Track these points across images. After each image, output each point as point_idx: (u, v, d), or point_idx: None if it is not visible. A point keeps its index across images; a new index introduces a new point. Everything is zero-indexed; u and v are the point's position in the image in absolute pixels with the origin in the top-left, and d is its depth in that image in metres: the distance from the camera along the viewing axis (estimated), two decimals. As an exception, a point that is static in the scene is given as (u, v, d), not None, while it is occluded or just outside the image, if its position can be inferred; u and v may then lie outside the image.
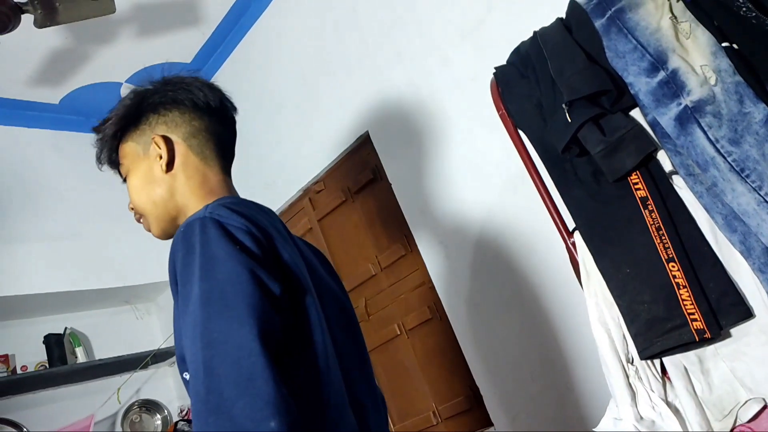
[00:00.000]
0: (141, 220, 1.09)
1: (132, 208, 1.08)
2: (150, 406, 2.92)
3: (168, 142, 1.02)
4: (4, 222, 2.58)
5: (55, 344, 2.64)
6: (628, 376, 1.08)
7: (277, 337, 0.79)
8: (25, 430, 2.49)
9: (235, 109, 1.13)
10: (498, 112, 1.41)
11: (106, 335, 2.91)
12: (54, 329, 2.70)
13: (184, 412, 2.90)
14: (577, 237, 1.22)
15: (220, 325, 0.77)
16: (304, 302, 0.89)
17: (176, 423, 2.86)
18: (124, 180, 1.08)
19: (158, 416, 2.92)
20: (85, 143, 3.18)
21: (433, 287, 2.17)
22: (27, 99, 2.84)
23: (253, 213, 0.90)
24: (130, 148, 1.05)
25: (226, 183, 1.07)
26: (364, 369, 1.02)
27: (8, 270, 2.50)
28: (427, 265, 2.18)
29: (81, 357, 2.68)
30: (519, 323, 1.92)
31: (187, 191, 1.02)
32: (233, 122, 1.13)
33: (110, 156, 1.07)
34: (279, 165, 2.75)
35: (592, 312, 1.14)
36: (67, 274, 2.66)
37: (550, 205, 1.32)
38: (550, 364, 1.84)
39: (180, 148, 1.02)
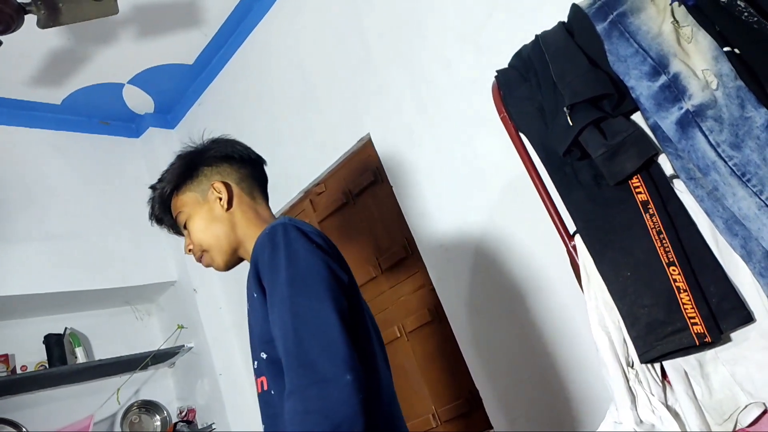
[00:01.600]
0: (202, 258, 1.25)
1: (191, 249, 1.24)
2: (149, 407, 2.92)
3: (227, 186, 1.23)
4: (5, 222, 2.59)
5: (55, 344, 2.64)
6: (628, 380, 1.08)
7: (346, 314, 0.99)
8: (24, 429, 2.49)
9: (264, 160, 1.37)
10: (499, 115, 1.41)
11: (106, 336, 2.91)
12: (54, 329, 2.70)
13: (183, 414, 2.90)
14: (578, 240, 1.23)
15: (304, 301, 0.97)
16: (357, 296, 1.11)
17: (175, 424, 2.86)
18: (185, 227, 1.24)
19: (157, 417, 2.92)
20: (87, 144, 3.20)
21: (433, 290, 2.17)
22: (29, 99, 2.85)
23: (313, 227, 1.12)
24: (189, 198, 1.23)
25: (272, 215, 1.29)
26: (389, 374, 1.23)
27: (9, 270, 2.51)
28: (427, 268, 2.18)
29: (81, 357, 2.68)
30: (519, 326, 1.92)
31: (245, 224, 1.22)
32: (264, 170, 1.36)
33: (164, 209, 1.26)
34: (280, 166, 2.75)
35: (592, 315, 1.14)
36: (67, 274, 2.66)
37: (551, 208, 1.33)
38: (549, 367, 1.84)
39: (235, 191, 1.24)
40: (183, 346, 2.93)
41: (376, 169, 2.39)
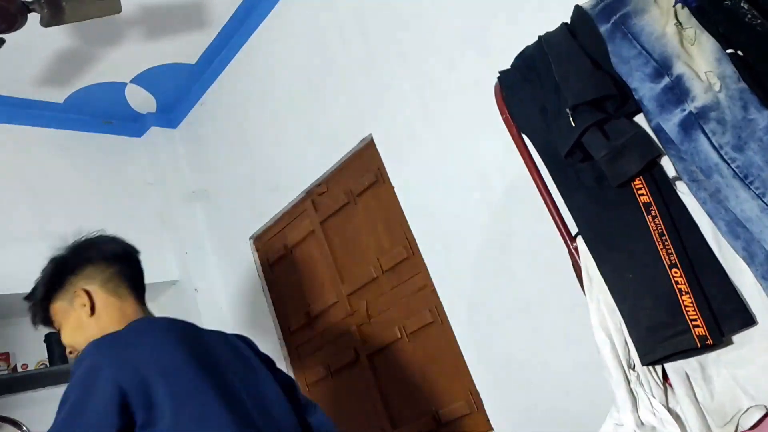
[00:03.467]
0: (72, 355, 1.30)
1: (69, 350, 1.30)
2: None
3: (88, 293, 1.27)
4: (6, 220, 2.59)
5: (56, 343, 2.64)
6: (629, 382, 1.07)
7: None
8: (25, 428, 2.49)
9: (137, 251, 1.39)
10: (502, 116, 1.41)
11: (107, 334, 2.91)
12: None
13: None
14: (580, 242, 1.22)
15: None
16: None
17: (176, 423, 2.85)
18: (58, 331, 1.30)
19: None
20: (90, 143, 3.20)
21: (434, 290, 2.17)
22: (32, 98, 2.85)
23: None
24: (59, 307, 1.28)
25: (141, 309, 1.31)
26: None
27: (10, 268, 2.50)
28: (428, 269, 2.18)
29: (82, 356, 2.68)
30: (520, 327, 1.92)
31: (110, 326, 1.23)
32: (138, 262, 1.38)
33: (44, 318, 1.32)
34: (282, 167, 2.75)
35: (593, 317, 1.14)
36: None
37: (552, 210, 1.32)
38: (550, 368, 1.84)
39: (99, 294, 1.27)
40: (184, 345, 2.93)
41: (378, 170, 2.39)
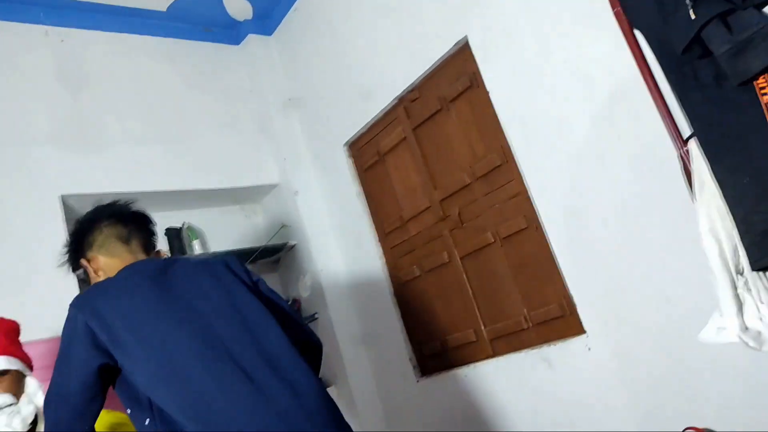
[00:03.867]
0: None
1: None
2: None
3: (88, 261, 1.53)
4: (127, 123, 2.80)
5: (175, 237, 2.92)
6: (736, 287, 1.06)
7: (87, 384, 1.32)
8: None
9: (127, 209, 1.62)
10: (613, 9, 1.33)
11: (218, 231, 3.16)
12: (173, 224, 2.97)
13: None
14: (692, 145, 1.17)
15: (55, 376, 1.32)
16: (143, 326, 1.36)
17: (281, 314, 3.12)
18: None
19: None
20: (192, 50, 3.31)
21: (529, 197, 2.16)
22: (136, 6, 2.96)
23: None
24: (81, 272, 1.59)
25: (134, 258, 1.52)
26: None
27: (132, 169, 2.75)
28: (524, 176, 2.17)
29: (197, 249, 2.95)
30: (620, 235, 1.89)
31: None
32: (130, 215, 1.61)
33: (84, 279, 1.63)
34: (375, 74, 2.75)
35: (702, 222, 1.11)
36: (181, 175, 2.88)
37: (664, 112, 1.26)
38: (650, 274, 1.82)
39: (98, 260, 1.52)
40: (286, 243, 3.14)
41: (472, 74, 2.33)
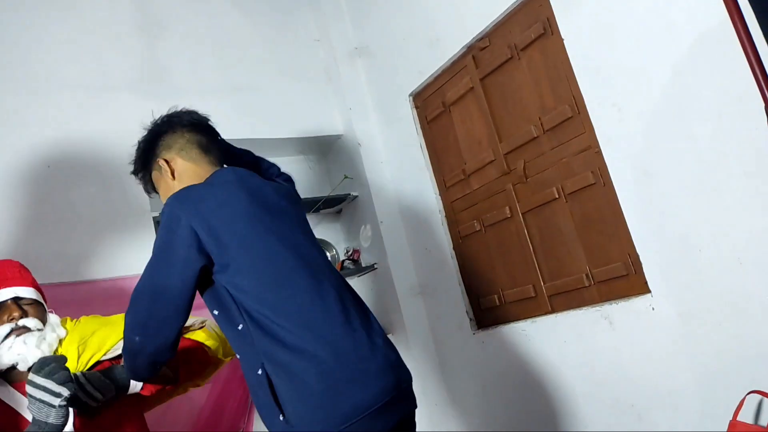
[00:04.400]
0: None
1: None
2: (322, 245, 3.28)
3: (167, 162, 1.54)
4: (198, 72, 2.87)
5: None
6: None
7: (188, 284, 1.37)
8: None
9: (207, 120, 1.65)
10: (705, -52, 1.23)
11: (284, 180, 3.24)
12: (241, 172, 3.06)
13: (349, 253, 3.23)
14: (784, 96, 1.09)
15: (151, 272, 1.38)
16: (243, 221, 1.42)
17: (343, 261, 3.20)
18: (157, 192, 1.61)
19: (328, 254, 3.28)
20: (265, 0, 3.30)
21: (599, 152, 2.09)
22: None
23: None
24: (154, 176, 1.59)
25: (210, 167, 1.53)
26: None
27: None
28: (595, 129, 2.09)
29: (264, 197, 3.03)
30: (693, 193, 1.80)
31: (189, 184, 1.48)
32: (207, 127, 1.63)
33: (148, 187, 1.65)
34: (443, 21, 2.68)
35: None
36: (249, 124, 2.95)
37: (755, 63, 1.17)
38: (723, 235, 1.74)
39: (178, 162, 1.53)
40: (349, 194, 3.18)
41: (546, 20, 2.23)
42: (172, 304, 1.31)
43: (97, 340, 1.55)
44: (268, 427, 1.30)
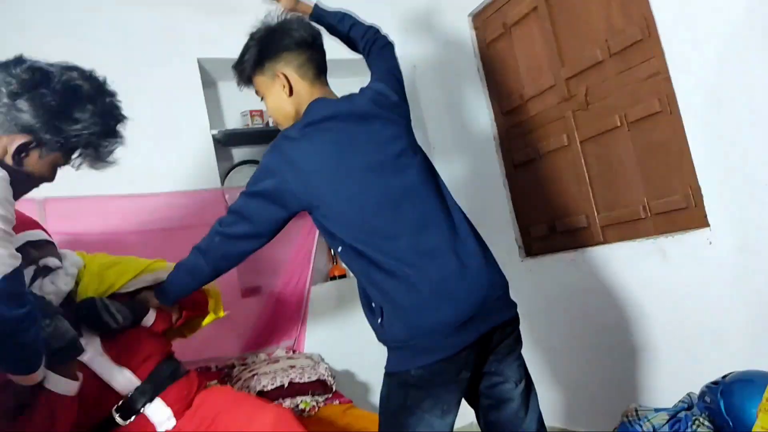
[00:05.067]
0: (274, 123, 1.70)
1: (273, 120, 1.65)
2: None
3: (286, 76, 1.50)
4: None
5: (297, 105, 3.02)
6: None
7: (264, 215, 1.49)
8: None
9: (321, 35, 1.58)
10: None
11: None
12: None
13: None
14: None
15: (241, 196, 1.50)
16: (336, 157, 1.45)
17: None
18: (262, 98, 1.57)
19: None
20: None
21: (668, 78, 1.98)
22: None
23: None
24: (261, 81, 1.55)
25: (323, 90, 1.54)
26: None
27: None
28: (665, 53, 1.97)
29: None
30: (766, 126, 1.70)
31: (304, 102, 1.50)
32: (322, 45, 1.58)
33: (248, 84, 1.59)
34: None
35: None
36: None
37: None
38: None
39: (294, 78, 1.51)
40: (402, 118, 3.16)
41: (621, -67, 2.07)
42: (259, 239, 1.49)
43: (114, 273, 1.65)
44: (370, 324, 1.41)
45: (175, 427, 1.52)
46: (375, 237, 1.35)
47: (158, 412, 1.52)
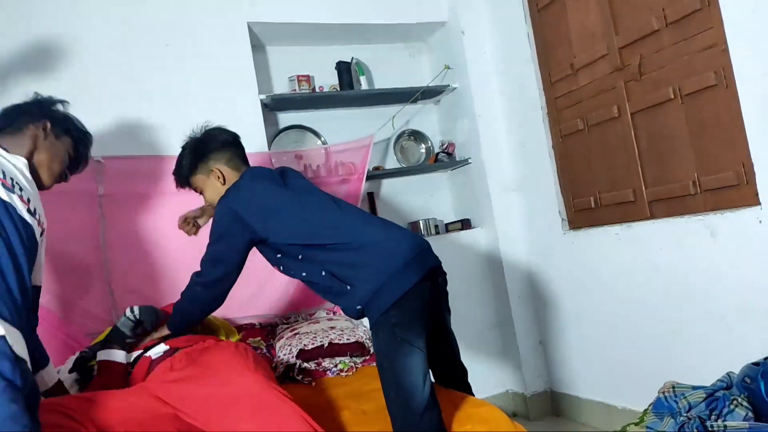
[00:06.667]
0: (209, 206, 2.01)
1: (209, 204, 1.97)
2: (417, 136, 3.32)
3: (220, 170, 1.89)
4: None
5: (345, 70, 3.05)
6: None
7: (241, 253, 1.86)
8: (322, 138, 3.07)
9: (239, 137, 1.97)
10: None
11: (384, 69, 3.23)
12: (343, 58, 3.08)
13: (444, 146, 3.24)
14: None
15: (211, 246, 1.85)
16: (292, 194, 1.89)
17: (437, 154, 3.23)
18: (201, 193, 1.95)
19: (423, 145, 3.32)
20: None
21: (726, 50, 1.90)
22: None
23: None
24: (198, 179, 1.93)
25: (243, 168, 1.93)
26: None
27: (309, 1, 2.84)
28: (725, 23, 1.89)
29: (364, 85, 3.06)
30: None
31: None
32: (239, 139, 1.97)
33: (184, 185, 1.96)
34: None
35: None
36: (354, 8, 2.93)
37: None
38: None
39: (225, 170, 1.90)
40: (448, 85, 3.13)
41: None
42: (236, 269, 1.84)
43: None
44: (339, 303, 1.74)
45: (166, 352, 1.79)
46: (327, 230, 1.73)
47: (157, 349, 1.82)
